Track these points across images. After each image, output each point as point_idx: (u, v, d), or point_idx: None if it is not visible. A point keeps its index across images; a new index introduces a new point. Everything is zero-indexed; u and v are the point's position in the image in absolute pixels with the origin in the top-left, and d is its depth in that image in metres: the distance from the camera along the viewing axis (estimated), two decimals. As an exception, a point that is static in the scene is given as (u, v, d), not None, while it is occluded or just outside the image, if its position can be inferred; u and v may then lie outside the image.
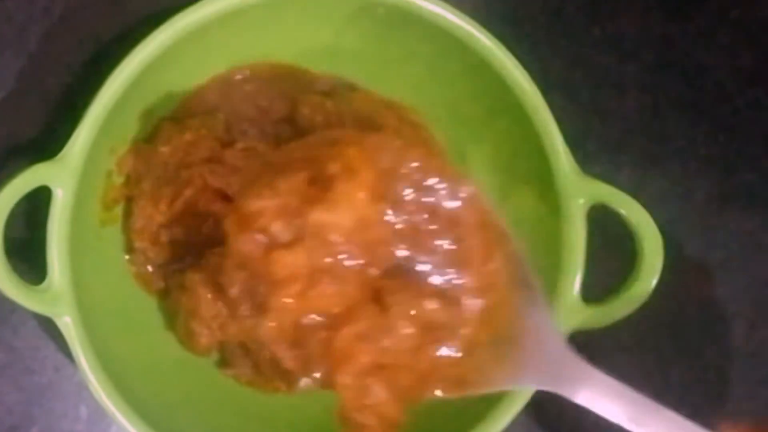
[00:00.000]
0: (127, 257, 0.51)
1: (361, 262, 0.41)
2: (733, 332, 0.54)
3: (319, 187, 0.40)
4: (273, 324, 0.41)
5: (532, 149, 0.47)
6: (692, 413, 0.39)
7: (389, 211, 0.41)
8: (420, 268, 0.42)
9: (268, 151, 0.49)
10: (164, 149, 0.49)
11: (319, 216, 0.40)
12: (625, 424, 0.39)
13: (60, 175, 0.45)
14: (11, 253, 0.45)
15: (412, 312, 0.41)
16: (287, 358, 0.42)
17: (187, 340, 0.49)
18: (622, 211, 0.47)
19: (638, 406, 0.39)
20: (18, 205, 0.44)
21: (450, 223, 0.42)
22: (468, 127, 0.51)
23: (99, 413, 0.52)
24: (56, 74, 0.52)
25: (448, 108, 0.51)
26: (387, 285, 0.41)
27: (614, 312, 0.47)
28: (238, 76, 0.51)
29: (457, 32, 0.47)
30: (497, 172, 0.50)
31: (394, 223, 0.41)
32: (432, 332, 0.41)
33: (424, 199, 0.41)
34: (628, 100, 0.54)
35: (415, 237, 0.41)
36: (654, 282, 0.47)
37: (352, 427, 0.41)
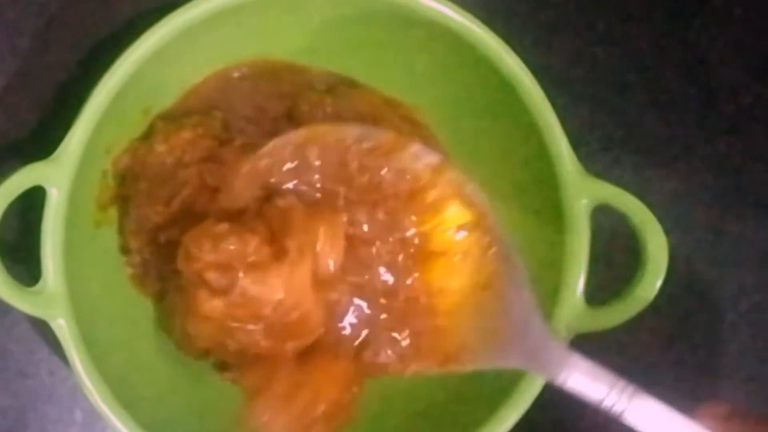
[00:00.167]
0: (123, 258, 0.51)
1: (271, 342, 0.44)
2: (741, 333, 0.54)
3: (273, 251, 0.43)
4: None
5: (535, 148, 0.47)
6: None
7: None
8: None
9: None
10: (161, 148, 0.49)
11: (248, 285, 0.43)
12: (605, 408, 0.40)
13: (54, 175, 0.44)
14: (4, 254, 0.44)
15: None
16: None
17: (184, 342, 0.49)
18: (627, 212, 0.47)
19: (618, 390, 0.40)
20: (12, 205, 0.44)
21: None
22: (469, 125, 0.51)
23: (94, 417, 0.51)
24: (50, 72, 0.52)
25: (449, 106, 0.51)
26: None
27: (618, 314, 0.47)
28: (236, 74, 0.51)
29: (458, 30, 0.46)
30: (499, 171, 0.50)
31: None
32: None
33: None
34: (631, 98, 0.54)
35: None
36: (659, 283, 0.46)
37: None
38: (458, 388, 0.49)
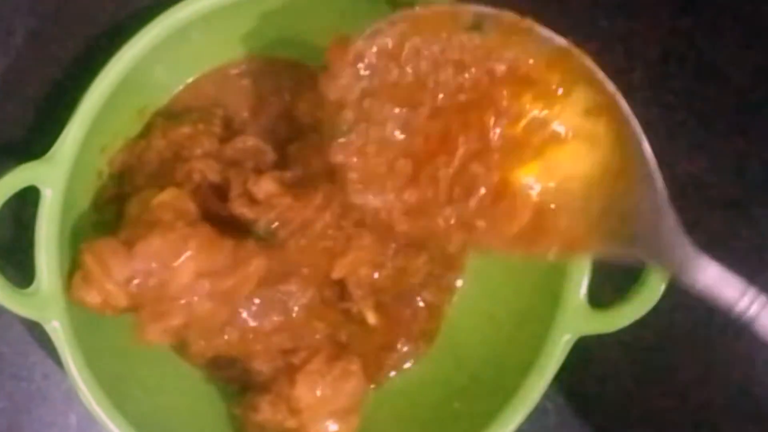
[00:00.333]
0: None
1: None
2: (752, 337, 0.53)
3: None
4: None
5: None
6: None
7: None
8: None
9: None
10: (159, 143, 0.49)
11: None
12: (735, 314, 0.40)
13: (49, 175, 0.44)
14: (-2, 255, 0.44)
15: None
16: None
17: (180, 346, 0.49)
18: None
19: (749, 297, 0.40)
20: (5, 205, 0.44)
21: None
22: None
23: (89, 421, 0.51)
24: (44, 71, 0.51)
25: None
26: None
27: (622, 317, 0.46)
28: (234, 71, 0.51)
29: None
30: None
31: None
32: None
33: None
34: (635, 97, 0.53)
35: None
36: (663, 285, 0.46)
37: None
38: (463, 386, 0.49)
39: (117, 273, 0.44)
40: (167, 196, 0.46)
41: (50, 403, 0.51)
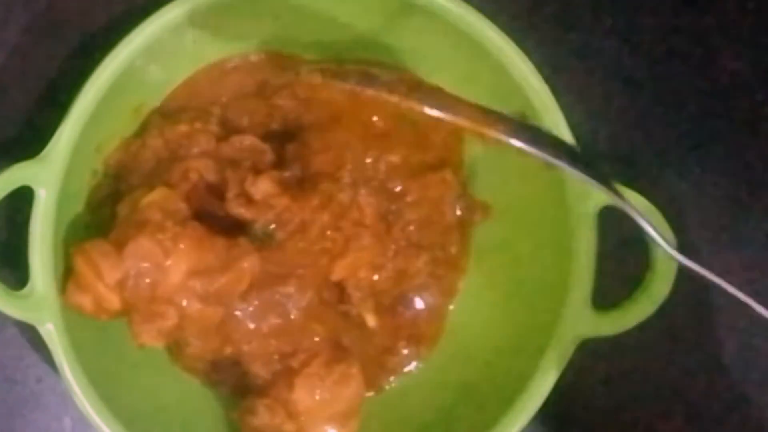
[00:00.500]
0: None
1: None
2: (760, 336, 0.53)
3: None
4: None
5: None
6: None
7: None
8: None
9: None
10: (156, 142, 0.49)
11: None
12: None
13: (43, 175, 0.44)
14: (-9, 256, 0.44)
15: None
16: None
17: (175, 350, 0.49)
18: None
19: None
20: (-1, 205, 0.44)
21: None
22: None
23: (83, 425, 0.51)
24: (39, 68, 0.51)
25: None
26: None
27: (627, 319, 0.46)
28: (229, 66, 0.50)
29: (460, 24, 0.46)
30: (505, 173, 0.49)
31: None
32: None
33: None
34: (640, 95, 0.53)
35: None
36: (668, 287, 0.45)
37: None
38: (466, 390, 0.49)
39: (108, 275, 0.44)
40: (157, 195, 0.46)
41: (44, 406, 0.51)
